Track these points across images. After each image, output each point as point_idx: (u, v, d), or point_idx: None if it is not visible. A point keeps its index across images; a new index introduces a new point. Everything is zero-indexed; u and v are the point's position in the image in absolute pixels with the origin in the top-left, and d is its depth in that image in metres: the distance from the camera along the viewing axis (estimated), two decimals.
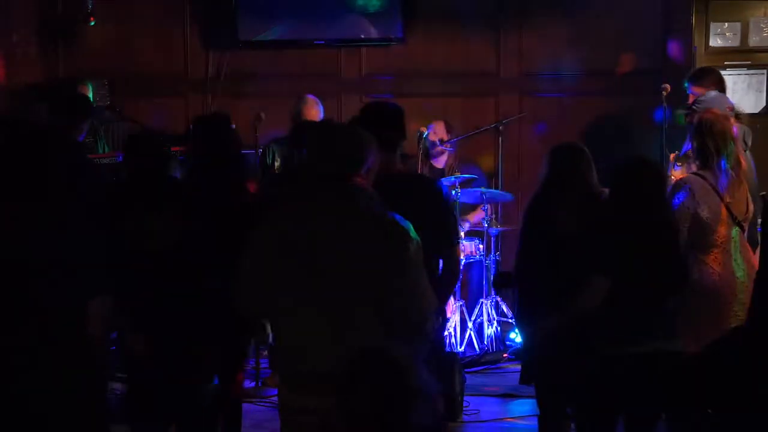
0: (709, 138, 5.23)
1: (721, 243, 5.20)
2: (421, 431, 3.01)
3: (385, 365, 3.09)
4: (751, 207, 5.36)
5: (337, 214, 3.61)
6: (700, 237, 5.21)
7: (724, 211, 5.18)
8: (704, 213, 5.19)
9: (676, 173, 6.65)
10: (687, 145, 6.01)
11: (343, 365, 3.11)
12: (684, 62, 8.16)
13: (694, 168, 5.47)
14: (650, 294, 4.44)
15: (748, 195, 5.36)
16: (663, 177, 4.64)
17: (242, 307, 3.81)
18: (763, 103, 8.29)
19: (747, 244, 5.31)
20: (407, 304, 3.59)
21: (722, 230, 5.20)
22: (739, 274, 5.19)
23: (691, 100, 6.97)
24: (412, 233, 3.62)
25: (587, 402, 4.58)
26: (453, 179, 7.57)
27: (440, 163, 8.12)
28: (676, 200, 5.25)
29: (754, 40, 8.31)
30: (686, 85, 6.98)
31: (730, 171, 5.22)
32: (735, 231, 5.22)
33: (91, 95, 7.69)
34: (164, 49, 8.82)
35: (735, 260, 5.23)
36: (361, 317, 3.53)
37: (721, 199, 5.18)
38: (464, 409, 6.32)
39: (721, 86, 6.93)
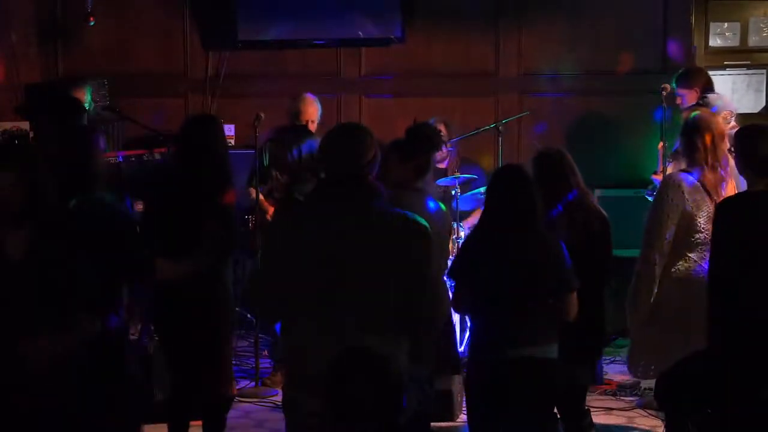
0: (698, 136, 5.24)
1: (709, 240, 5.18)
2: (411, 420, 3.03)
3: (371, 364, 3.10)
4: None
5: (357, 214, 3.63)
6: (687, 233, 5.21)
7: (712, 208, 5.15)
8: (692, 210, 5.19)
9: (669, 169, 6.65)
10: (678, 143, 6.02)
11: (334, 366, 3.13)
12: (684, 62, 8.16)
13: (683, 165, 5.48)
14: (519, 302, 4.44)
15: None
16: (527, 184, 4.57)
17: (259, 308, 3.82)
18: (763, 103, 8.29)
19: None
20: (423, 298, 3.64)
21: (710, 227, 5.17)
22: None
23: (678, 101, 6.97)
24: (430, 230, 3.68)
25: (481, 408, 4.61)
26: (452, 179, 7.55)
27: (444, 163, 8.11)
28: (665, 196, 5.25)
29: (753, 40, 8.31)
30: (673, 86, 6.98)
31: (719, 169, 5.22)
32: None
33: (89, 97, 7.65)
34: (164, 49, 8.81)
35: None
36: (379, 317, 3.55)
37: (710, 196, 5.18)
38: (463, 408, 6.33)
39: (709, 87, 6.93)
